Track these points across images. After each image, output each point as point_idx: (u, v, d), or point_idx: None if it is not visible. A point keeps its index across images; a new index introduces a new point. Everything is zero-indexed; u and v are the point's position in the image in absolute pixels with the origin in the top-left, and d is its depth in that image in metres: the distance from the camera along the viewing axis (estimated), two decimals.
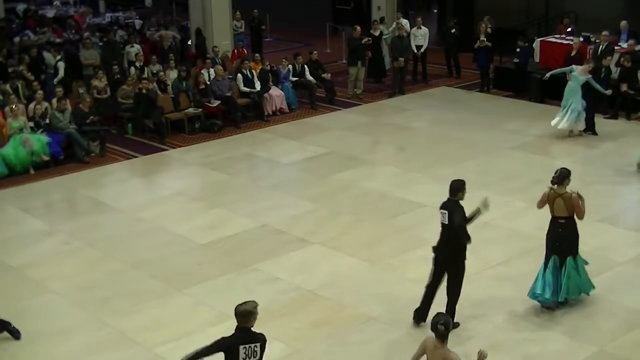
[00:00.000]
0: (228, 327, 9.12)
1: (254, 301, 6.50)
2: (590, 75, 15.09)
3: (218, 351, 6.36)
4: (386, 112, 17.77)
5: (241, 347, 6.33)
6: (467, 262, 10.47)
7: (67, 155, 15.05)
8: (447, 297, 8.80)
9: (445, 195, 12.76)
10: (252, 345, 6.36)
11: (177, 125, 16.70)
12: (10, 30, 23.17)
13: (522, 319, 9.14)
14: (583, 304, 9.39)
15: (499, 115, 16.98)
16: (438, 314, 6.42)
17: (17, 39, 21.54)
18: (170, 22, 23.92)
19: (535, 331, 8.88)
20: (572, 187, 9.32)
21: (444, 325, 6.25)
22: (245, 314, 6.37)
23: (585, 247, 10.10)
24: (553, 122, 15.34)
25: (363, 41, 18.98)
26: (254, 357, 6.35)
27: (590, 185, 12.85)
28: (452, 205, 8.62)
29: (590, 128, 15.47)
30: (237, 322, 6.42)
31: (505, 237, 11.20)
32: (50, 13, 27.50)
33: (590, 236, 10.60)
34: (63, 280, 10.44)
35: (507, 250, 10.81)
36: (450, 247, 8.71)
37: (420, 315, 8.93)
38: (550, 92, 17.86)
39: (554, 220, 9.07)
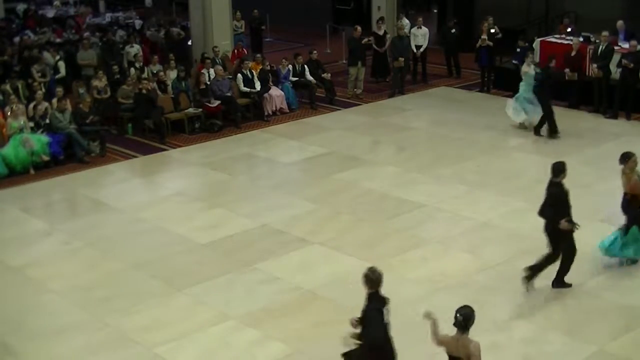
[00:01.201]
0: (228, 327, 9.19)
1: (374, 267, 7.04)
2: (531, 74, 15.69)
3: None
4: (386, 112, 17.77)
5: (384, 309, 7.01)
6: (466, 262, 10.56)
7: (67, 155, 15.04)
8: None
9: (445, 195, 12.84)
10: (387, 306, 7.04)
11: (177, 125, 16.70)
12: (10, 30, 23.17)
13: (521, 318, 9.14)
14: (583, 304, 9.41)
15: (498, 115, 16.95)
16: (462, 306, 6.60)
17: (17, 39, 21.54)
18: (170, 21, 23.98)
19: (535, 331, 8.88)
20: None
21: (462, 316, 6.47)
22: (377, 280, 6.96)
23: (585, 247, 10.13)
24: (528, 121, 15.80)
25: (363, 41, 18.97)
26: (388, 316, 7.06)
27: (590, 185, 12.86)
28: (553, 187, 9.37)
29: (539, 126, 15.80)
30: (369, 288, 6.96)
31: (505, 237, 11.21)
32: (50, 13, 27.50)
33: (591, 236, 10.60)
34: (63, 280, 10.44)
35: (506, 250, 10.81)
36: (547, 223, 9.45)
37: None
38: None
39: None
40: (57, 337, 9.10)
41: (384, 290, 6.67)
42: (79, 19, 25.89)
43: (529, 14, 22.42)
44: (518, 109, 15.83)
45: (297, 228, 11.73)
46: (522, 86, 15.84)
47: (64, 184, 14.13)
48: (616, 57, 16.54)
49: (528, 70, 15.76)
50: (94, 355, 8.75)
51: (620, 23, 17.97)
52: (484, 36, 18.72)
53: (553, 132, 15.41)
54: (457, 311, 6.51)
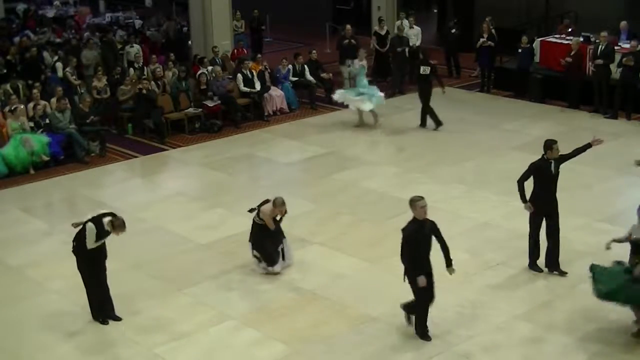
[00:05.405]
0: (228, 327, 9.19)
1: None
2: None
3: None
4: (386, 112, 17.76)
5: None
6: (466, 262, 10.56)
7: (67, 155, 15.05)
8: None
9: (445, 195, 12.85)
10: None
11: (177, 125, 16.71)
12: (10, 30, 23.16)
13: (521, 318, 9.14)
14: (583, 304, 9.40)
15: (499, 115, 16.97)
16: None
17: (17, 39, 21.53)
18: (168, 17, 24.07)
19: (535, 331, 8.88)
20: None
21: None
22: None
23: (585, 247, 10.14)
24: (366, 107, 16.45)
25: (344, 42, 19.06)
26: None
27: (590, 186, 12.87)
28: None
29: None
30: None
31: (505, 237, 11.20)
32: (50, 13, 27.53)
33: (590, 236, 10.62)
34: (63, 280, 10.41)
35: (506, 250, 10.80)
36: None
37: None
38: (550, 92, 17.89)
39: None
40: (57, 337, 9.10)
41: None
42: (79, 18, 25.90)
43: (529, 14, 22.42)
44: (364, 98, 16.49)
45: (297, 228, 11.71)
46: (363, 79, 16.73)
47: (64, 184, 14.13)
48: (616, 57, 16.55)
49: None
50: (93, 355, 8.75)
51: (623, 23, 17.98)
52: (485, 36, 18.72)
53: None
54: None
